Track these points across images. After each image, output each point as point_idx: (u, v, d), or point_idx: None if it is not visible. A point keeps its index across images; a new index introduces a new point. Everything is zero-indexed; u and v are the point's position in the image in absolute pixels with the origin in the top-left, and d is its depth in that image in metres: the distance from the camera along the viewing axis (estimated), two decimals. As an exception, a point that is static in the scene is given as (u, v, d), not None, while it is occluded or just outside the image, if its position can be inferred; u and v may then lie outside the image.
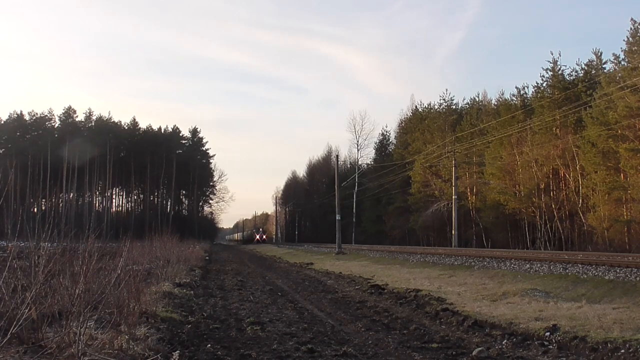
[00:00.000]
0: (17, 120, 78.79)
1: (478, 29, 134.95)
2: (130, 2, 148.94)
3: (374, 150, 72.53)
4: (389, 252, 28.51)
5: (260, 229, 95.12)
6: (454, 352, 6.05)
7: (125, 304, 5.88)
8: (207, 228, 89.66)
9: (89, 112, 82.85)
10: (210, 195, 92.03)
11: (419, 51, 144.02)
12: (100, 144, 73.71)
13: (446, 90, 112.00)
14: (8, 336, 4.09)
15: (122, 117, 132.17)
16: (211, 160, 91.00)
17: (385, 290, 12.08)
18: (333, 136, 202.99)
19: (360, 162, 71.76)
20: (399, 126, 65.66)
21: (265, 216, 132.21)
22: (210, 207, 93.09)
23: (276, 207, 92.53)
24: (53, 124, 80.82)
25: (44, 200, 78.49)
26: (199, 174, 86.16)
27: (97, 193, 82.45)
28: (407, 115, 63.65)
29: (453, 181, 39.29)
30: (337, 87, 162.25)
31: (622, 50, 31.69)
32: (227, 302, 10.57)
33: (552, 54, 51.13)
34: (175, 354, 5.41)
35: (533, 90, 41.40)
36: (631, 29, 30.56)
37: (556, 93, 37.49)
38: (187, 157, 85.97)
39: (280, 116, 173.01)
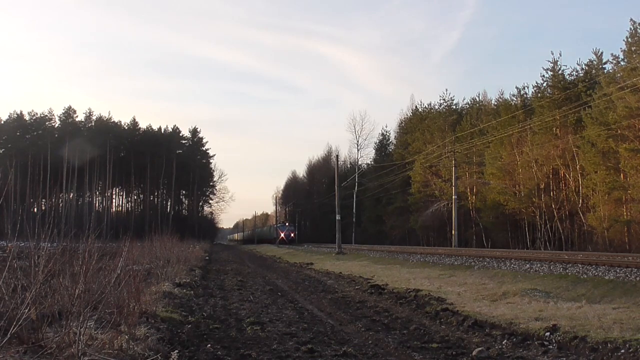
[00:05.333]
0: (17, 120, 78.80)
1: (475, 29, 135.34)
2: (131, 2, 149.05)
3: (374, 150, 72.70)
4: (389, 252, 28.50)
5: (287, 224, 75.48)
6: (454, 352, 6.05)
7: (125, 304, 5.88)
8: (207, 228, 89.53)
9: (89, 112, 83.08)
10: (210, 195, 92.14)
11: (417, 51, 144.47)
12: (100, 144, 73.70)
13: (446, 90, 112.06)
14: (8, 336, 4.09)
15: (122, 117, 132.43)
16: (211, 160, 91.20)
17: (385, 290, 12.07)
18: (333, 136, 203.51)
19: (360, 162, 71.84)
20: (399, 126, 65.77)
21: (265, 216, 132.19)
22: (210, 207, 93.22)
23: (276, 207, 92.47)
24: (53, 124, 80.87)
25: (44, 200, 78.48)
26: (199, 174, 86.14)
27: (97, 193, 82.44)
28: (407, 115, 63.78)
29: (453, 181, 39.28)
30: (337, 87, 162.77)
31: (621, 51, 31.72)
32: (227, 302, 10.57)
33: (553, 54, 51.23)
34: (174, 354, 5.41)
35: (533, 90, 41.47)
36: (631, 29, 30.58)
37: (556, 93, 37.46)
38: (187, 157, 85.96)
39: (280, 116, 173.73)
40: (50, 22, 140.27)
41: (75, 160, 72.18)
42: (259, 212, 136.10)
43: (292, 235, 69.56)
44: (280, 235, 68.42)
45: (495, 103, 48.58)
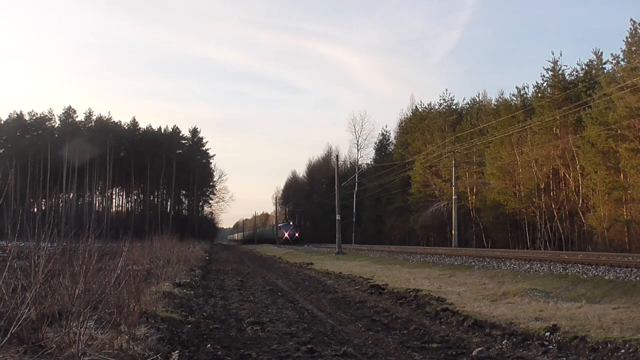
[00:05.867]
0: (17, 120, 78.79)
1: (475, 29, 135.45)
2: (131, 2, 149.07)
3: (374, 150, 72.69)
4: (389, 252, 28.50)
5: (291, 223, 73.88)
6: (454, 352, 6.05)
7: (125, 304, 5.87)
8: (207, 228, 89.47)
9: (89, 112, 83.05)
10: (210, 195, 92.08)
11: (417, 51, 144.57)
12: (100, 144, 73.67)
13: (446, 90, 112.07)
14: (8, 336, 4.09)
15: (122, 117, 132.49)
16: (211, 160, 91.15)
17: (385, 290, 12.07)
18: (333, 136, 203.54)
19: (360, 162, 71.85)
20: (399, 126, 65.74)
21: (266, 216, 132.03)
22: (210, 207, 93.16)
23: (276, 207, 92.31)
24: (53, 124, 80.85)
25: (44, 200, 78.45)
26: (199, 174, 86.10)
27: (97, 193, 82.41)
28: (407, 115, 63.75)
29: (453, 181, 39.26)
30: (337, 87, 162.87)
31: (621, 51, 31.70)
32: (227, 302, 10.57)
33: (553, 54, 51.12)
34: (175, 354, 5.41)
35: (533, 90, 41.45)
36: (631, 29, 30.55)
37: (556, 93, 37.44)
38: (187, 157, 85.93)
39: (280, 116, 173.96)
40: (50, 22, 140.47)
41: (75, 160, 72.17)
42: (259, 212, 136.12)
43: (297, 234, 67.96)
44: (284, 235, 66.78)
45: (495, 103, 48.58)
